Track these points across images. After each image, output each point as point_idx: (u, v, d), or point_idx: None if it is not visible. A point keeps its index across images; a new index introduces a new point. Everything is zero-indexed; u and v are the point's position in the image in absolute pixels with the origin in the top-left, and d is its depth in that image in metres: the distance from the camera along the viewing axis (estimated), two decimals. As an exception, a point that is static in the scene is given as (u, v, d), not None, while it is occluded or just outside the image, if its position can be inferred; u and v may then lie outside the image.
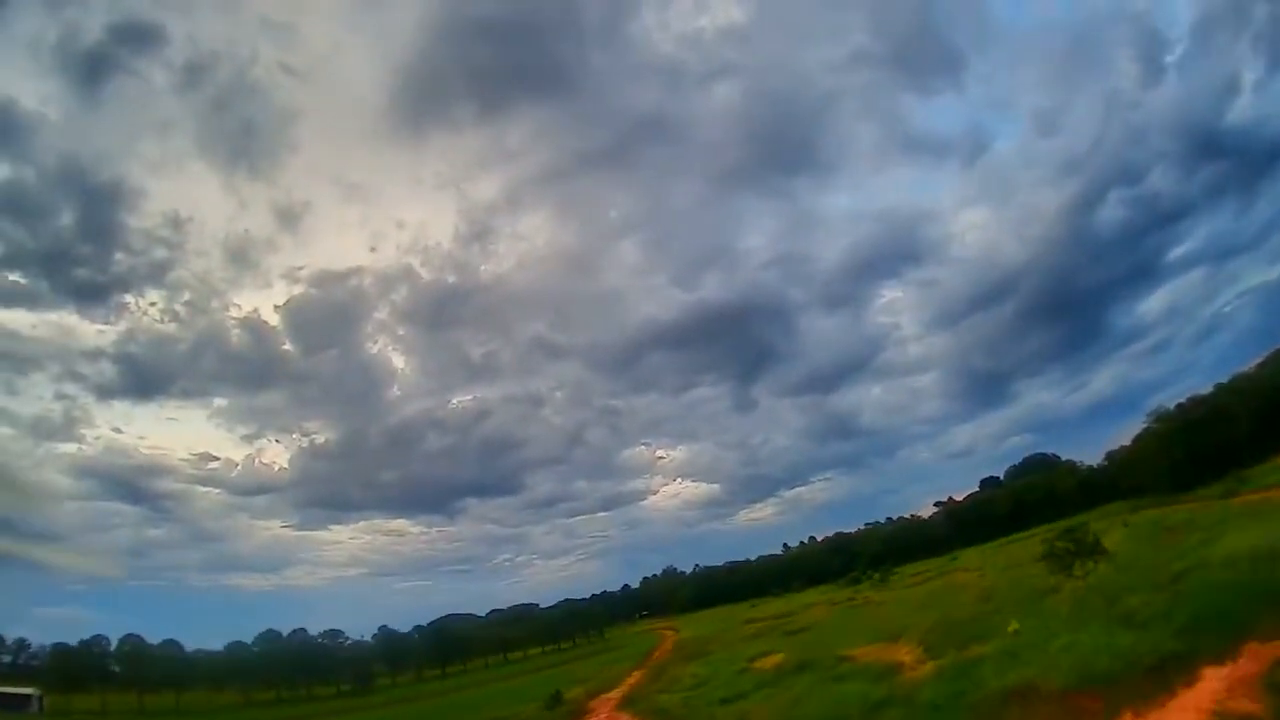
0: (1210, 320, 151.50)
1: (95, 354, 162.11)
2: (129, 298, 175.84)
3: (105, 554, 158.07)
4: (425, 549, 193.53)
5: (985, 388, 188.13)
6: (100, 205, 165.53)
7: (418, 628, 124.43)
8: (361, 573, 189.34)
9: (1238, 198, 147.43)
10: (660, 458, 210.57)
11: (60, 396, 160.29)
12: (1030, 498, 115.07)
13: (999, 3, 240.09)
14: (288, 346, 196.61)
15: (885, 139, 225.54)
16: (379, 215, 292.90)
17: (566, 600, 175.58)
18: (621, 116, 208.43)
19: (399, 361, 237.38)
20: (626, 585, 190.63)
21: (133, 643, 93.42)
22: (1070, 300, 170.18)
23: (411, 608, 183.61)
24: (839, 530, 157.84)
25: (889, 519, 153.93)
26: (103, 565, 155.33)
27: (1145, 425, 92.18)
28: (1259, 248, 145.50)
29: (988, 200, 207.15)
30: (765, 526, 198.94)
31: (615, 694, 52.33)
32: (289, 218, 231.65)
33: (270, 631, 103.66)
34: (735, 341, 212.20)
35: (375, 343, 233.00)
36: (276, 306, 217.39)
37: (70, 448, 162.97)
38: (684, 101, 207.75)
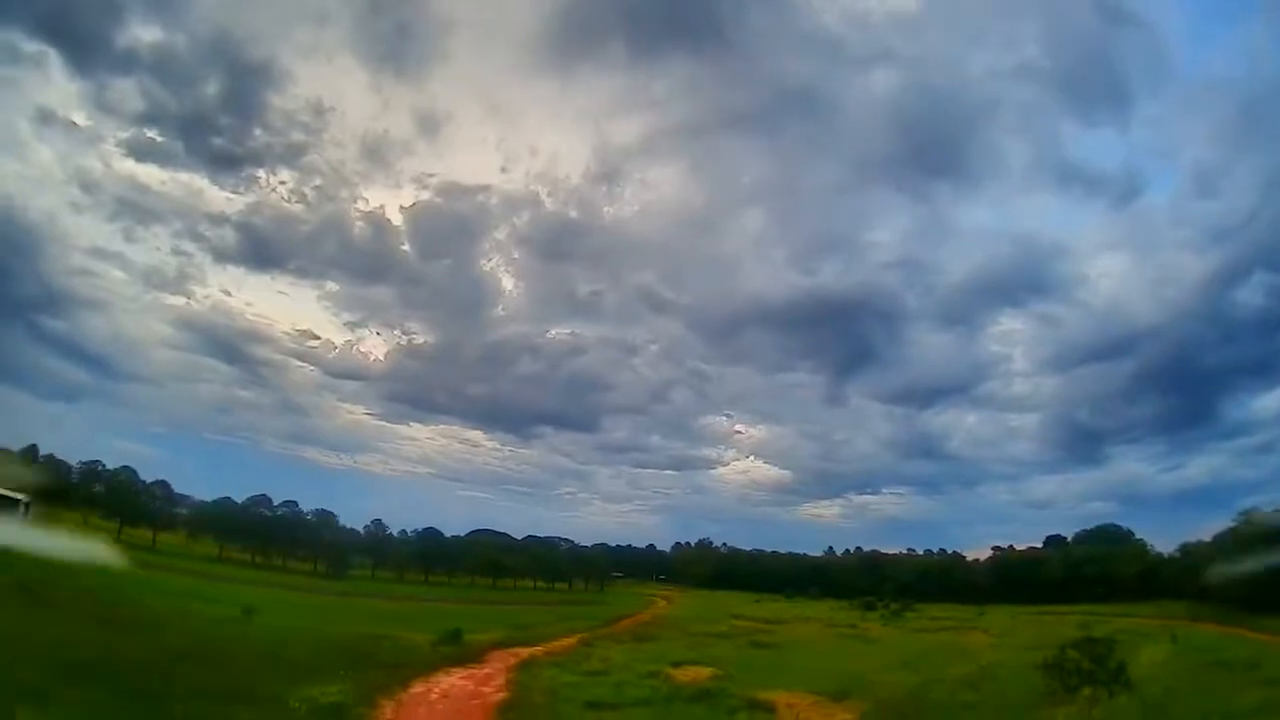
0: None
1: (219, 219, 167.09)
2: (261, 173, 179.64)
3: (192, 403, 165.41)
4: (495, 464, 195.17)
5: (1081, 443, 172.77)
6: (246, 81, 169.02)
7: (456, 537, 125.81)
8: (430, 472, 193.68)
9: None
10: (738, 432, 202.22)
11: (177, 252, 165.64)
12: (1088, 570, 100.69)
13: (1180, 46, 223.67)
14: (406, 247, 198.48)
15: (1036, 161, 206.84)
16: (514, 138, 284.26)
17: (602, 544, 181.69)
18: (770, 83, 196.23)
19: (508, 283, 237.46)
20: (661, 547, 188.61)
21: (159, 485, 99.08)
22: (1188, 376, 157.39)
23: (470, 516, 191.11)
24: (905, 547, 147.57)
25: (939, 550, 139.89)
26: (187, 413, 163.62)
27: (1232, 524, 77.60)
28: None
29: (1129, 249, 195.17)
30: (825, 525, 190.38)
31: (526, 654, 46.74)
32: (428, 125, 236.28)
33: (288, 502, 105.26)
34: (840, 334, 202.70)
35: (489, 261, 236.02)
36: (402, 207, 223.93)
37: (178, 300, 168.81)
38: (837, 80, 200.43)
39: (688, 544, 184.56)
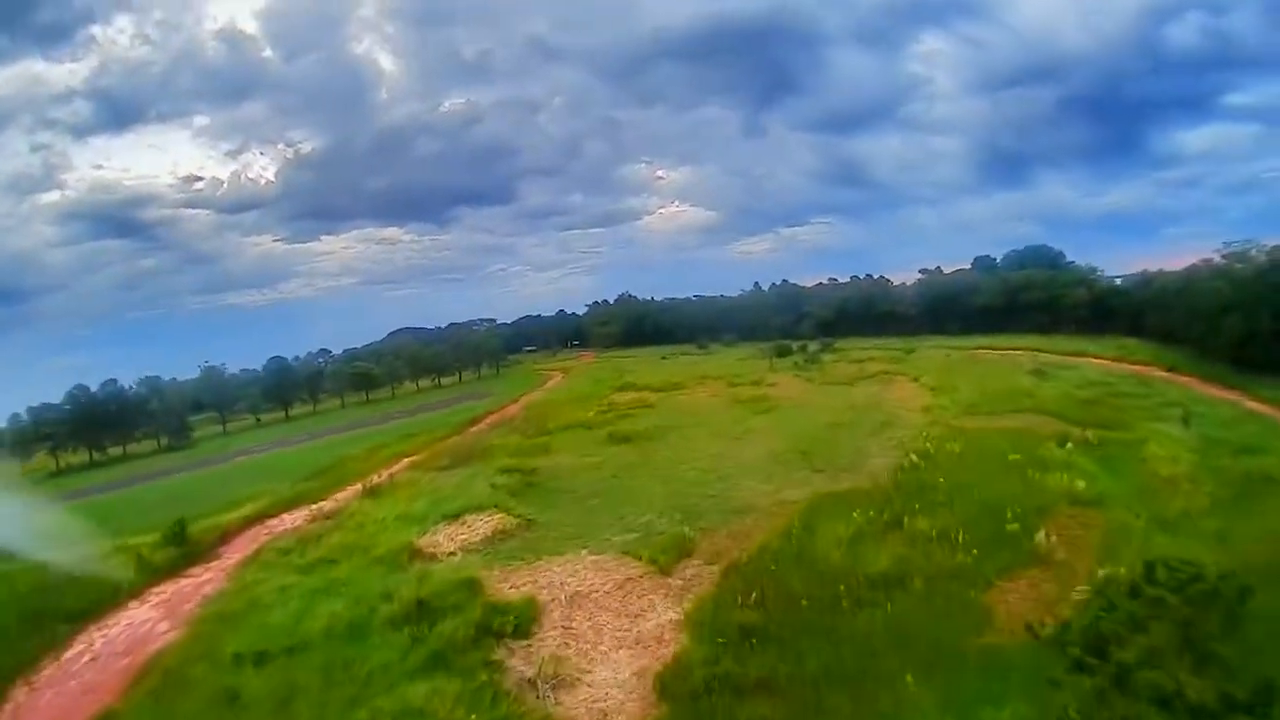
0: (1248, 178, 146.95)
1: (67, 95, 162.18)
2: (95, 29, 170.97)
3: (101, 293, 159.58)
4: (418, 257, 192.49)
5: (1005, 167, 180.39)
6: None
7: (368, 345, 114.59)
8: (355, 282, 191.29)
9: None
10: (660, 177, 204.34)
11: (36, 147, 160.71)
12: (1027, 297, 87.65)
13: None
14: (268, 54, 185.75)
15: None
16: None
17: (526, 317, 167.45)
18: None
19: (386, 63, 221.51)
20: (580, 310, 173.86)
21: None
22: (1116, 106, 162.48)
23: (400, 315, 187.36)
24: (831, 276, 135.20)
25: (866, 276, 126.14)
26: (100, 305, 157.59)
27: (1215, 258, 63.61)
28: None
29: None
30: (757, 261, 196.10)
31: (282, 528, 32.31)
32: None
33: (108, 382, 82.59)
34: (754, 62, 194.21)
35: (360, 43, 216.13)
36: (254, 12, 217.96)
37: (53, 196, 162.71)
38: None
39: (605, 302, 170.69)
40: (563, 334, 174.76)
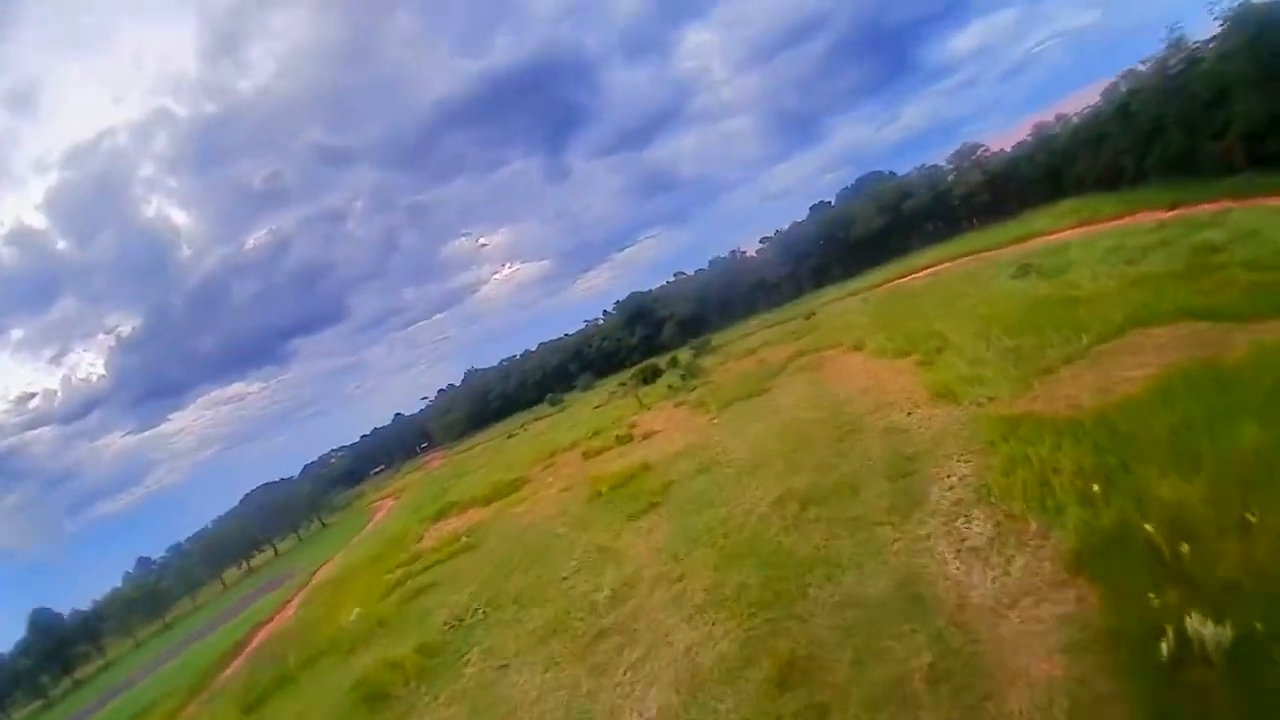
0: (1021, 60, 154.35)
1: None
2: None
3: None
4: (271, 404, 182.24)
5: (799, 127, 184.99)
6: None
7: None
8: (218, 450, 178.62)
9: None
10: (483, 245, 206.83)
11: None
12: (913, 206, 71.57)
13: None
14: (62, 245, 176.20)
15: None
16: (115, 62, 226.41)
17: (367, 435, 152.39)
18: None
19: (180, 217, 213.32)
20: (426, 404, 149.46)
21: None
22: (880, 36, 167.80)
23: (279, 467, 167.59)
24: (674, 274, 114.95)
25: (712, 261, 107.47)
26: None
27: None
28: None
29: None
30: (602, 292, 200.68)
31: None
32: (22, 100, 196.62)
33: None
34: (537, 107, 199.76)
35: (149, 204, 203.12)
36: (37, 205, 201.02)
37: None
38: None
39: (452, 386, 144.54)
40: (406, 441, 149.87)
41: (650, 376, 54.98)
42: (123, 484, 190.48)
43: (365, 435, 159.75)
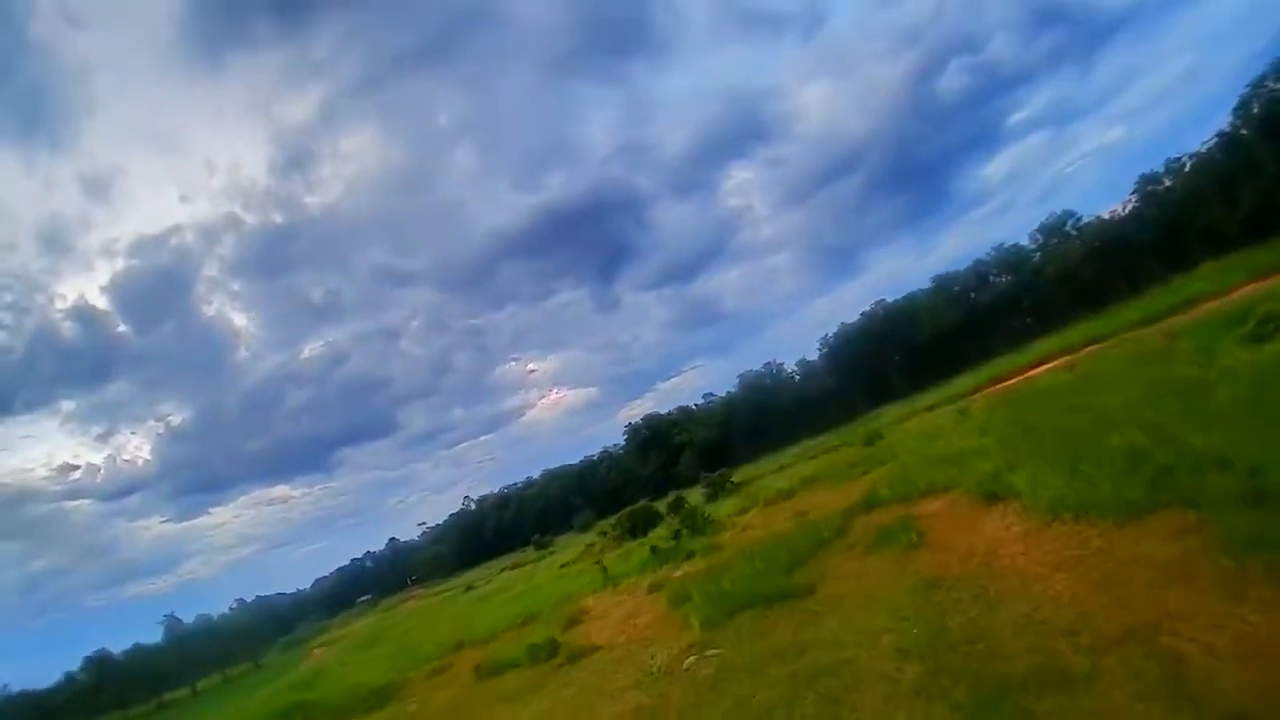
0: (1053, 181, 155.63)
1: None
2: None
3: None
4: (313, 509, 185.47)
5: (839, 260, 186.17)
6: None
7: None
8: (255, 550, 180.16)
9: (1077, 63, 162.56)
10: (532, 370, 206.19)
11: None
12: (996, 291, 56.14)
13: None
14: (122, 329, 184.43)
15: (719, 15, 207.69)
16: (187, 162, 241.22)
17: (354, 561, 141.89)
18: (435, 8, 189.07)
19: (239, 320, 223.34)
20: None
21: None
22: (915, 169, 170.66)
23: (313, 572, 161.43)
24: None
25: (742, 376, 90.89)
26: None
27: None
28: (1099, 111, 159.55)
29: (828, 74, 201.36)
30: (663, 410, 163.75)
31: None
32: (97, 186, 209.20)
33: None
34: (588, 241, 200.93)
35: (210, 304, 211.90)
36: (102, 288, 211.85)
37: None
38: None
39: (461, 512, 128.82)
40: (399, 570, 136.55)
41: (641, 525, 38.01)
42: (156, 568, 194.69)
43: (356, 559, 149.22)
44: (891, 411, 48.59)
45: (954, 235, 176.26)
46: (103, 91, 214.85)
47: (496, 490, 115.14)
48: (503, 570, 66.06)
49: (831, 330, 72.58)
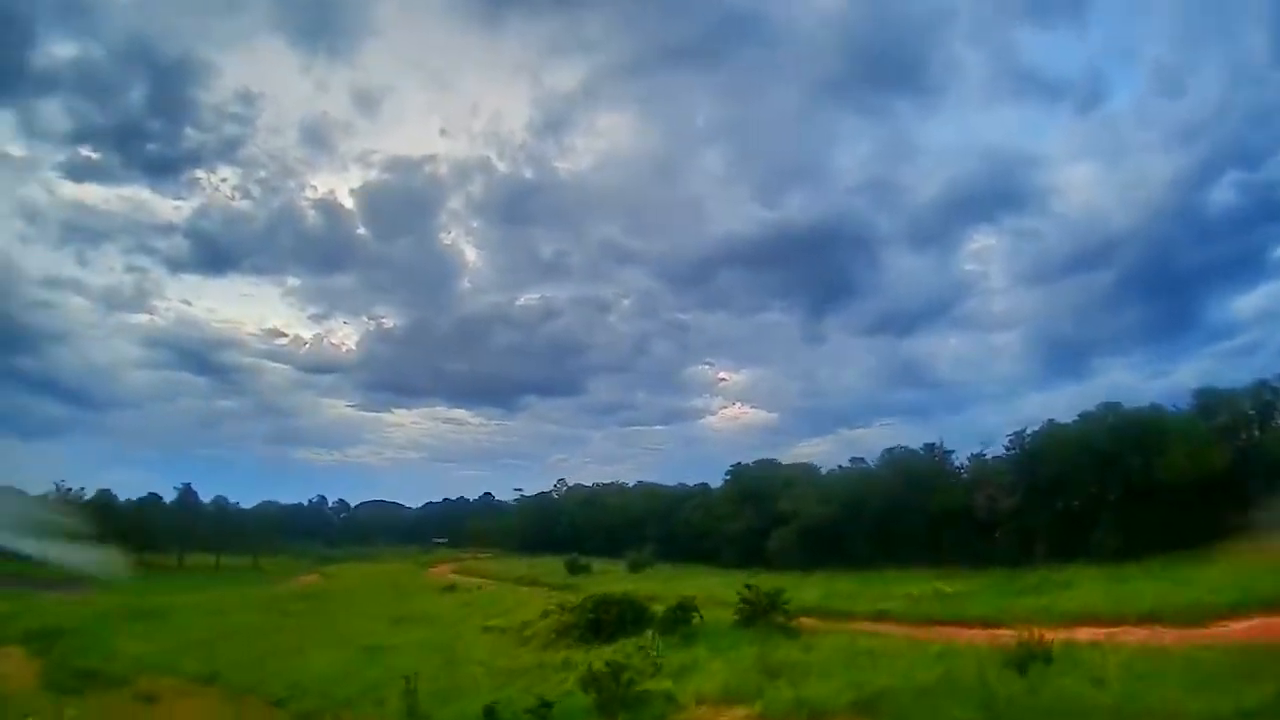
0: None
1: (167, 228, 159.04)
2: (201, 173, 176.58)
3: (175, 421, 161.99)
4: (484, 439, 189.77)
5: (1065, 358, 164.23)
6: (169, 81, 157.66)
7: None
8: (420, 456, 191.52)
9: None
10: (722, 379, 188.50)
11: (131, 269, 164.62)
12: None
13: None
14: (361, 231, 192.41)
15: (995, 71, 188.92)
16: (453, 101, 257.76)
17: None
18: (711, 9, 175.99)
19: (470, 254, 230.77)
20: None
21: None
22: (1168, 280, 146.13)
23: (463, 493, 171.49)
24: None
25: (896, 450, 70.43)
26: (172, 432, 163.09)
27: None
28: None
29: (1097, 155, 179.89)
30: (818, 464, 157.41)
31: None
32: (366, 101, 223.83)
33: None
34: (813, 267, 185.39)
35: (448, 234, 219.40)
36: (352, 190, 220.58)
37: (141, 319, 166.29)
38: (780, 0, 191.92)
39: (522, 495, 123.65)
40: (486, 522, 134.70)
41: (614, 624, 24.16)
42: (328, 442, 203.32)
43: (434, 503, 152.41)
44: (1091, 584, 29.83)
45: (1192, 364, 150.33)
46: (385, 19, 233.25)
47: (647, 480, 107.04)
48: (518, 578, 54.96)
49: (1033, 427, 52.31)
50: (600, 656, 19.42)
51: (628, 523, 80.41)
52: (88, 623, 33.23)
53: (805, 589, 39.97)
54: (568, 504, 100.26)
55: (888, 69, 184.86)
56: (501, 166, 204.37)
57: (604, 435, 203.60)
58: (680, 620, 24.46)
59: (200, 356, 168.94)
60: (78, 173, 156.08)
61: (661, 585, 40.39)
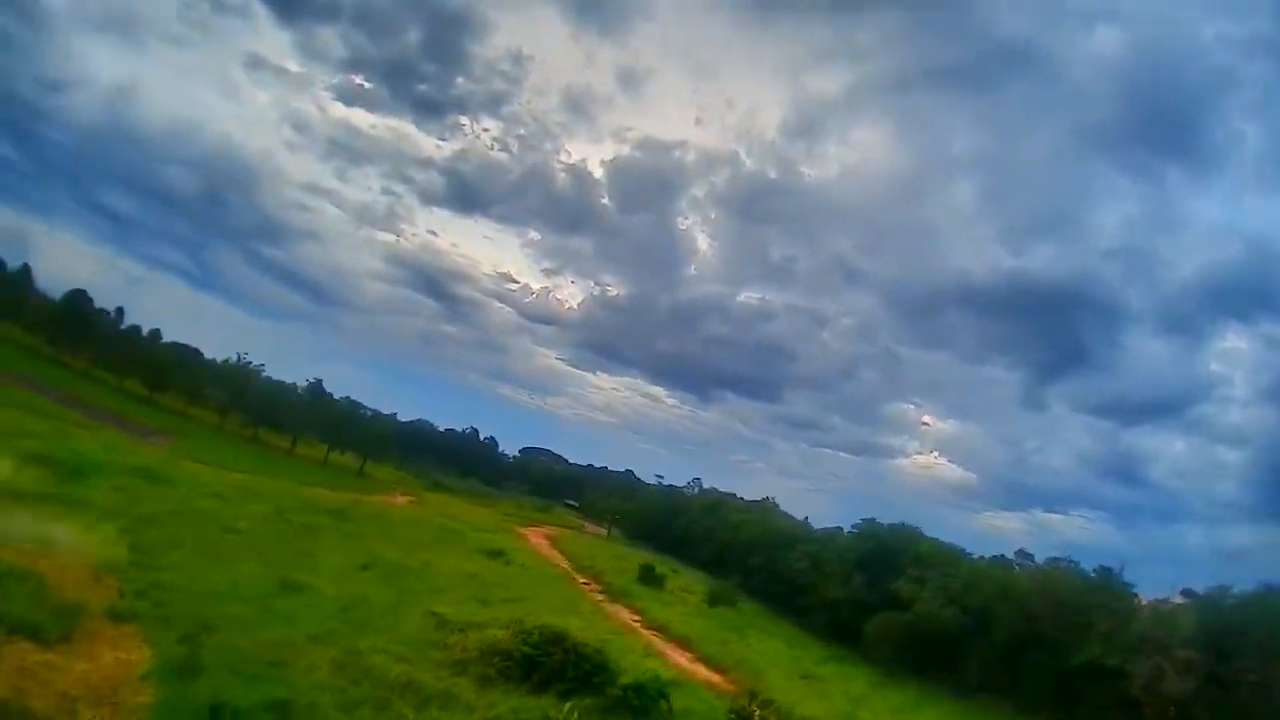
0: None
1: (426, 163, 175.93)
2: (465, 120, 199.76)
3: (399, 333, 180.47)
4: (673, 421, 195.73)
5: None
6: (446, 29, 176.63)
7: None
8: (611, 421, 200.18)
9: None
10: (925, 423, 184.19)
11: (387, 192, 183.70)
12: None
13: None
14: (605, 200, 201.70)
15: (1275, 150, 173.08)
16: (711, 91, 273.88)
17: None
18: (983, 36, 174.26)
19: (703, 243, 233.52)
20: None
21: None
22: None
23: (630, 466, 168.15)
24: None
25: (1062, 563, 58.32)
26: (392, 342, 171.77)
27: None
28: None
29: None
30: (1003, 540, 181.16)
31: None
32: (629, 80, 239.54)
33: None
34: (1048, 328, 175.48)
35: (685, 219, 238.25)
36: (602, 161, 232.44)
37: (388, 237, 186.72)
38: (1056, 36, 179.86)
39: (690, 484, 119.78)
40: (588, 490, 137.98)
41: (577, 679, 20.32)
42: (532, 387, 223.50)
43: (590, 466, 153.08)
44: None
45: None
46: (658, 4, 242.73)
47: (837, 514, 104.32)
48: (583, 568, 52.24)
49: (1241, 587, 38.94)
50: (508, 704, 15.78)
51: (739, 544, 75.05)
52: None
53: (872, 701, 33.08)
54: (692, 505, 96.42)
55: (1162, 129, 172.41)
56: (748, 162, 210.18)
57: (790, 449, 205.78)
58: (640, 702, 19.96)
59: (436, 282, 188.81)
60: (348, 97, 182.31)
61: (718, 642, 32.16)
